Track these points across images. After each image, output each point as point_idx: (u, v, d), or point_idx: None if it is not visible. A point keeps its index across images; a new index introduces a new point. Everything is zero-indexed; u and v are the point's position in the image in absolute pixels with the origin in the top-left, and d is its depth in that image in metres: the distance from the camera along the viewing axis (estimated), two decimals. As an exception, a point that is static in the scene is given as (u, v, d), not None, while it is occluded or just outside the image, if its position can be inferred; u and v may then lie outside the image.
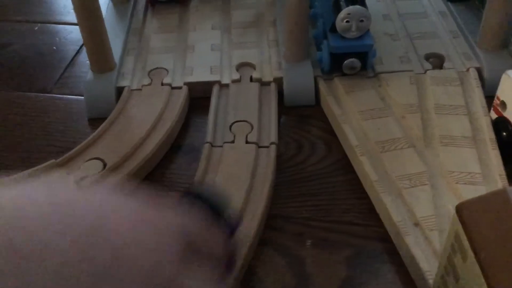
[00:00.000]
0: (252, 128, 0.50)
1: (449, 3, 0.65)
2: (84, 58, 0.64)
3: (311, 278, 0.40)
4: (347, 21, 0.52)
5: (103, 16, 0.54)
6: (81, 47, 0.65)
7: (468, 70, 0.55)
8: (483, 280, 0.25)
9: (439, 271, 0.32)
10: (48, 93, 0.59)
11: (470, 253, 0.26)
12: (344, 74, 0.55)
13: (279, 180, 0.47)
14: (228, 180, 0.45)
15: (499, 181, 0.43)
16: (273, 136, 0.49)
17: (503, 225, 0.26)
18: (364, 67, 0.55)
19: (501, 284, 0.24)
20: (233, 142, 0.49)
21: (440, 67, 0.56)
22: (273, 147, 0.48)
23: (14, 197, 0.22)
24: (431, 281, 0.37)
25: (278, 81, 0.56)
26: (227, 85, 0.56)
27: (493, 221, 0.27)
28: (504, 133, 0.47)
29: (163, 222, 0.25)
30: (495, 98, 0.49)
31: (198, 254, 0.26)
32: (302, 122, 0.54)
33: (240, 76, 0.57)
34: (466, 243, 0.27)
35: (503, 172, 0.44)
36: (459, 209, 0.28)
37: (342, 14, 0.52)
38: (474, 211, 0.27)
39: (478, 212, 0.27)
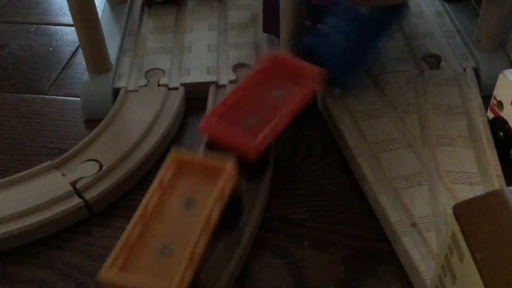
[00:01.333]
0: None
1: (445, 3, 0.65)
2: (80, 59, 0.63)
3: (308, 279, 0.40)
4: None
5: (100, 17, 0.54)
6: (77, 48, 0.65)
7: (464, 70, 0.55)
8: (480, 280, 0.25)
9: (436, 271, 0.32)
10: (44, 94, 0.59)
11: (467, 253, 0.26)
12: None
13: (276, 181, 0.47)
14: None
15: (496, 181, 0.43)
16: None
17: (500, 225, 0.26)
18: None
19: (497, 285, 0.24)
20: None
21: (437, 67, 0.56)
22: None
23: None
24: (428, 281, 0.37)
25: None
26: (224, 86, 0.56)
27: (490, 221, 0.27)
28: (501, 133, 0.47)
29: None
30: (492, 98, 0.49)
31: None
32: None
33: (237, 77, 0.56)
34: (463, 243, 0.27)
35: (500, 172, 0.44)
36: (456, 209, 0.28)
37: None
38: (471, 211, 0.27)
39: (475, 212, 0.27)
